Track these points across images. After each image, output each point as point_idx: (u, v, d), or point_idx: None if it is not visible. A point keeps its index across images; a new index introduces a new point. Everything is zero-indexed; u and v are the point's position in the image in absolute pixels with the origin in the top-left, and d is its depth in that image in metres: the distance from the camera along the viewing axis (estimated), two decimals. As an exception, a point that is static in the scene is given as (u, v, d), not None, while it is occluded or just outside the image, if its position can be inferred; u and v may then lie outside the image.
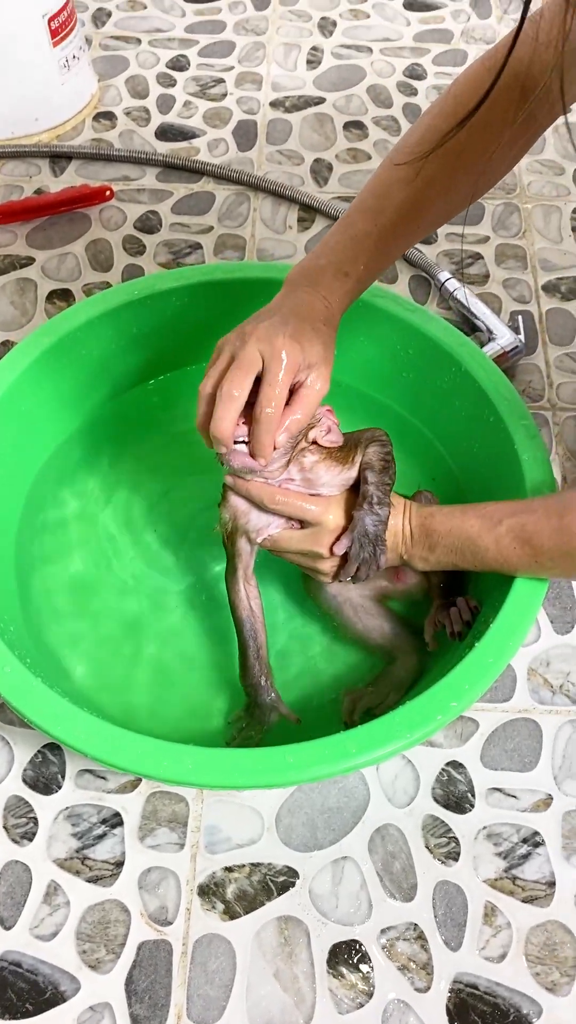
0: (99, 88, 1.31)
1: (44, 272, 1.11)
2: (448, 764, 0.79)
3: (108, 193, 1.16)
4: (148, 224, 1.16)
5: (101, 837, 0.75)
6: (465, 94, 0.69)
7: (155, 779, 0.62)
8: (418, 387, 0.88)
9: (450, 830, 0.75)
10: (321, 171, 1.22)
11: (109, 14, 1.43)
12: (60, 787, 0.77)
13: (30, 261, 1.12)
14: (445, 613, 0.76)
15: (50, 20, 1.16)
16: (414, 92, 1.32)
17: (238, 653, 0.76)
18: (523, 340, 1.03)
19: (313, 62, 1.36)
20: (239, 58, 1.36)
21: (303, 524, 0.72)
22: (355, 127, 1.28)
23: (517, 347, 1.02)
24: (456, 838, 0.75)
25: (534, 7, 0.58)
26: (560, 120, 1.17)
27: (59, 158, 1.23)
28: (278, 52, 1.38)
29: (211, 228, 1.15)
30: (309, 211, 1.17)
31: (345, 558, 0.71)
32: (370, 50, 1.38)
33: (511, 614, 0.67)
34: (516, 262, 1.13)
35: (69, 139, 1.25)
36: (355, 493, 0.71)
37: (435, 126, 0.68)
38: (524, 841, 0.75)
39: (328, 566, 0.73)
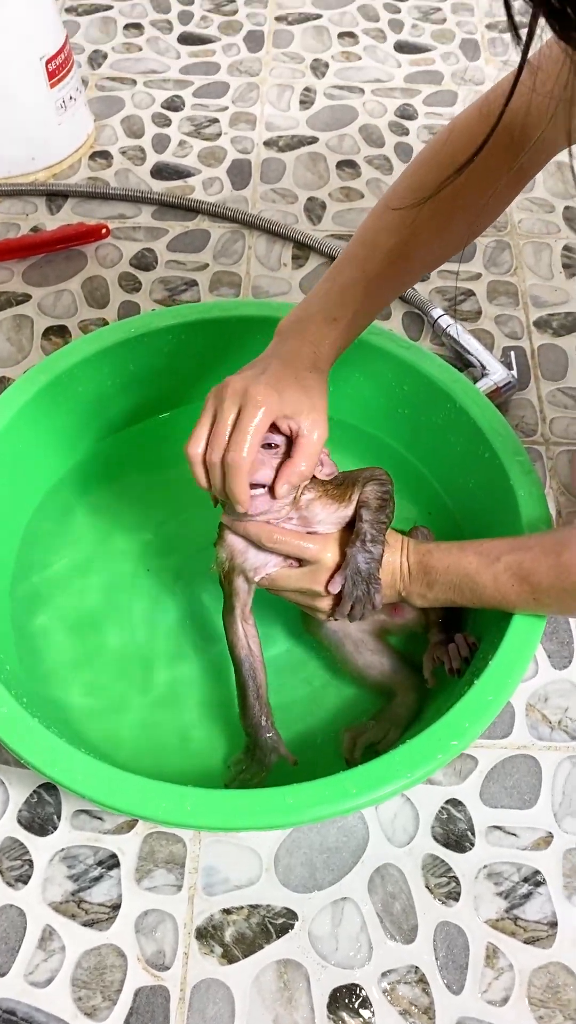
0: (95, 128, 1.32)
1: (40, 309, 1.11)
2: (447, 802, 0.78)
3: (104, 231, 1.17)
4: (144, 261, 1.17)
5: (97, 879, 0.74)
6: (459, 142, 0.70)
7: (154, 821, 0.62)
8: (414, 423, 0.88)
9: (450, 869, 0.75)
10: (315, 209, 1.24)
11: (105, 56, 1.45)
12: (56, 828, 0.76)
13: (26, 298, 1.13)
14: (443, 649, 0.76)
15: (47, 62, 1.17)
16: (405, 132, 1.34)
17: (237, 693, 0.75)
18: (516, 375, 1.04)
19: (306, 102, 1.38)
20: (233, 98, 1.39)
21: (301, 562, 0.72)
22: (348, 166, 1.30)
23: (510, 382, 1.03)
24: (456, 877, 0.74)
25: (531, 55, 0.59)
26: (553, 161, 1.20)
27: (55, 196, 1.24)
28: (271, 93, 1.40)
29: (206, 265, 1.16)
30: (303, 248, 1.19)
31: (340, 596, 0.71)
32: (362, 91, 1.41)
33: (510, 650, 0.67)
34: (508, 298, 1.14)
35: (65, 177, 1.27)
36: (352, 531, 0.71)
37: (427, 174, 0.69)
38: (525, 880, 0.74)
39: (326, 604, 0.73)
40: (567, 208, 1.24)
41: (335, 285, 0.72)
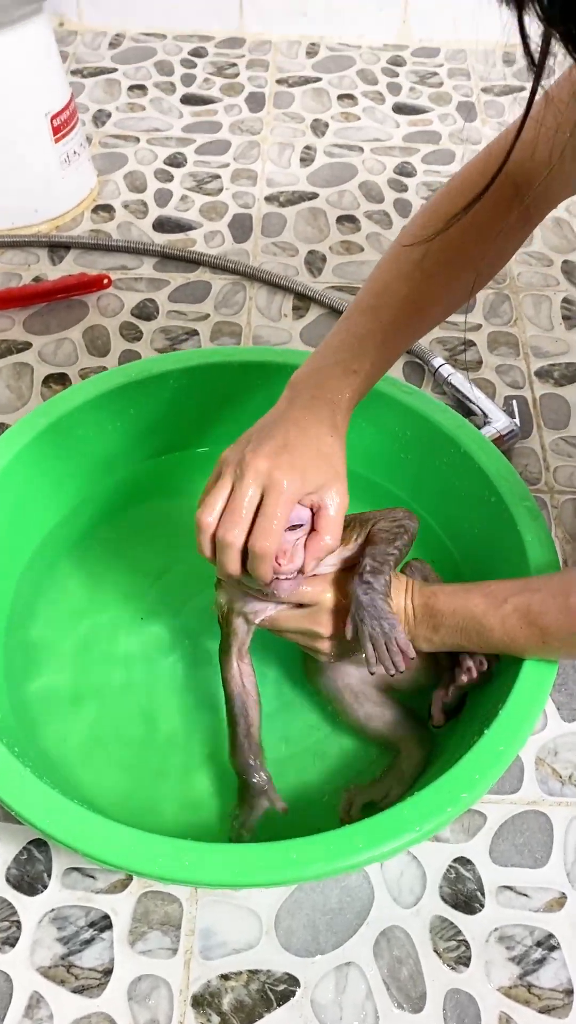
0: (98, 182, 1.34)
1: (41, 357, 1.11)
2: (456, 860, 0.75)
3: (106, 281, 1.17)
4: (145, 311, 1.17)
5: (88, 942, 0.70)
6: (465, 188, 0.70)
7: (150, 877, 0.59)
8: (417, 469, 0.87)
9: (460, 932, 0.71)
10: (315, 262, 1.25)
11: (109, 115, 1.48)
12: (46, 887, 0.73)
13: (27, 346, 1.12)
14: (456, 670, 0.73)
15: (52, 118, 1.19)
16: (405, 188, 1.36)
17: (228, 731, 0.73)
18: (519, 424, 1.03)
19: (306, 160, 1.41)
20: (234, 155, 1.41)
21: (301, 603, 0.70)
22: (348, 221, 1.31)
23: (513, 431, 1.02)
24: (466, 941, 0.71)
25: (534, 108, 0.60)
26: (551, 216, 1.21)
27: (58, 247, 1.25)
28: (272, 150, 1.42)
29: (207, 316, 1.17)
30: (304, 300, 1.19)
31: (354, 640, 0.68)
32: (361, 149, 1.43)
33: (521, 699, 0.65)
34: (508, 349, 1.14)
35: (68, 230, 1.28)
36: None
37: (437, 220, 0.69)
38: (538, 944, 0.71)
39: (327, 646, 0.71)
40: (565, 262, 1.26)
41: (350, 336, 0.71)
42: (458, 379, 1.07)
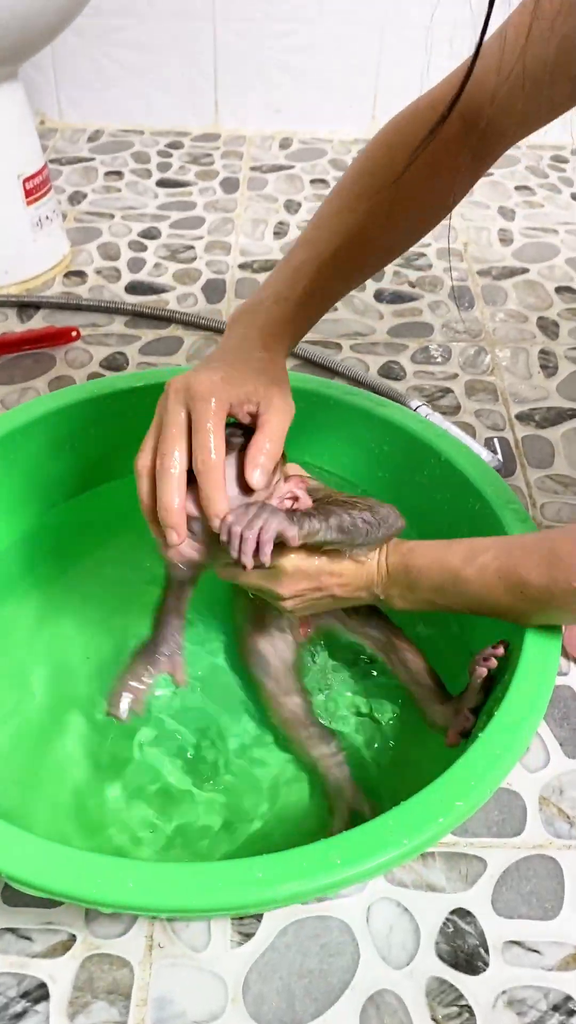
0: (71, 251, 1.34)
1: (4, 405, 1.07)
2: (453, 912, 0.65)
3: (74, 334, 1.15)
4: (115, 363, 1.14)
5: (20, 1016, 0.59)
6: (412, 125, 0.68)
7: (87, 903, 0.49)
8: (396, 487, 0.82)
9: (461, 996, 0.60)
10: (289, 319, 1.23)
11: (85, 195, 1.50)
12: (-28, 951, 0.62)
13: (-10, 395, 1.09)
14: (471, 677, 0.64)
15: (25, 181, 1.20)
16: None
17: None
18: (501, 460, 0.99)
19: (280, 233, 1.42)
20: (208, 230, 1.42)
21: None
22: (321, 284, 1.31)
23: (496, 467, 0.97)
24: (469, 1006, 0.60)
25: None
26: (519, 278, 1.21)
27: (27, 307, 1.23)
28: (246, 226, 1.44)
29: (179, 367, 1.14)
30: (277, 352, 1.16)
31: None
32: (334, 224, 1.45)
33: (520, 698, 0.57)
34: (487, 395, 1.11)
35: (38, 292, 1.26)
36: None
37: (381, 157, 0.68)
38: (555, 1009, 0.60)
39: (290, 605, 0.65)
40: (540, 318, 1.25)
41: (286, 266, 0.68)
42: (437, 419, 1.03)
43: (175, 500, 0.56)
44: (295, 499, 0.63)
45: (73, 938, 0.63)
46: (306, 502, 0.62)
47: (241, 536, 0.55)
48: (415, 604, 0.63)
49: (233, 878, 0.49)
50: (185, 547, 0.58)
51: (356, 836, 0.51)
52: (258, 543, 0.55)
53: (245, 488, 0.58)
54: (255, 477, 0.58)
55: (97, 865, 0.49)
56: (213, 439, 0.56)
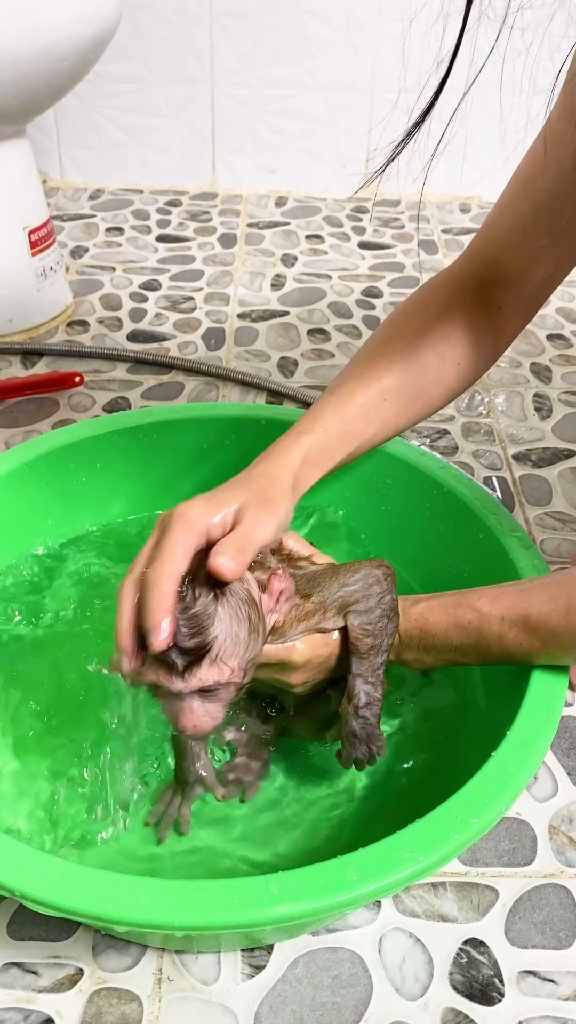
0: (74, 302, 1.37)
1: (7, 447, 1.08)
2: (466, 943, 0.64)
3: (78, 379, 1.17)
4: (117, 407, 1.16)
5: (26, 1052, 0.57)
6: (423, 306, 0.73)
7: (102, 922, 0.48)
8: (399, 521, 0.83)
9: (477, 1027, 0.59)
10: (287, 366, 1.26)
11: (87, 250, 1.54)
12: (-23, 986, 0.60)
13: (-7, 438, 1.10)
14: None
15: (30, 232, 1.23)
16: (372, 307, 1.41)
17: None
18: (500, 498, 1.00)
19: (277, 285, 1.46)
20: (207, 282, 1.46)
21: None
22: (318, 333, 1.34)
23: (495, 504, 0.98)
24: (486, 1038, 0.59)
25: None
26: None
27: (31, 354, 1.25)
28: (244, 278, 1.47)
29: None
30: (277, 396, 1.19)
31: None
32: (329, 276, 1.49)
33: (532, 715, 0.58)
34: (484, 436, 1.13)
35: (42, 340, 1.29)
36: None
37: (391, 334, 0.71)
38: (572, 1039, 0.59)
39: (299, 690, 0.64)
40: (533, 363, 1.27)
41: (308, 411, 0.68)
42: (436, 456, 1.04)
43: (123, 620, 0.53)
44: (278, 598, 0.59)
45: (80, 972, 0.61)
46: (288, 606, 0.60)
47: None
48: (432, 666, 0.64)
49: (248, 894, 0.48)
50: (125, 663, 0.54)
51: (371, 853, 0.51)
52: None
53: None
54: (219, 561, 0.53)
55: (110, 882, 0.49)
56: (165, 556, 0.53)
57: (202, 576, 0.53)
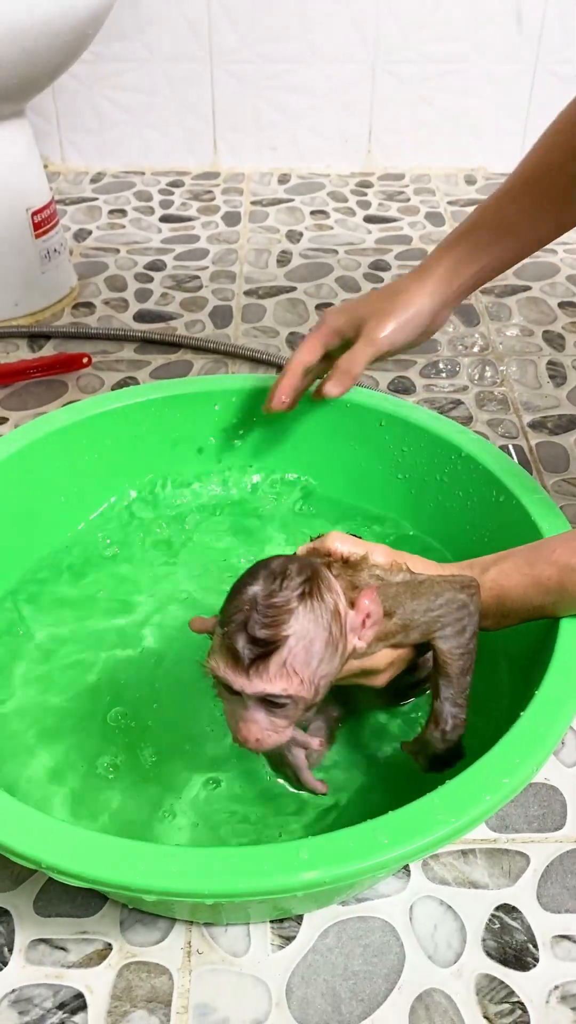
0: (79, 284, 1.36)
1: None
2: (498, 908, 0.63)
3: (86, 360, 1.16)
4: (126, 387, 1.14)
5: (57, 1027, 0.57)
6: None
7: (130, 891, 0.47)
8: (416, 489, 0.81)
9: (513, 992, 0.58)
10: (296, 341, 1.24)
11: (90, 232, 1.53)
12: (6, 963, 0.60)
13: (3, 420, 1.09)
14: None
15: (33, 214, 1.22)
16: (380, 280, 1.39)
17: None
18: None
19: (283, 261, 1.44)
20: (213, 260, 1.44)
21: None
22: (327, 307, 1.32)
23: (512, 471, 0.97)
24: (522, 1003, 0.58)
25: None
26: (523, 295, 1.24)
27: (37, 338, 1.24)
28: (250, 255, 1.46)
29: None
30: (287, 371, 1.17)
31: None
32: (336, 251, 1.47)
33: (558, 678, 0.56)
34: (498, 405, 1.12)
35: (47, 324, 1.28)
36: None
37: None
38: (610, 1002, 0.58)
39: (384, 682, 0.62)
40: (546, 331, 1.26)
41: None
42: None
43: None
44: (364, 621, 0.56)
45: (109, 947, 0.61)
46: (373, 631, 0.57)
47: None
48: (506, 625, 0.62)
49: (278, 860, 0.47)
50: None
51: (402, 816, 0.50)
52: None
53: None
54: (326, 388, 0.77)
55: (138, 851, 0.48)
56: (298, 350, 0.77)
57: (293, 569, 0.53)
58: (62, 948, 0.61)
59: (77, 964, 0.60)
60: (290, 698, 0.52)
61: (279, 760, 0.60)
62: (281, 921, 0.62)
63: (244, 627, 0.51)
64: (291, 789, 0.64)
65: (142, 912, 0.62)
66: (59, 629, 0.77)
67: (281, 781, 0.65)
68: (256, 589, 0.52)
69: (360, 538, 0.62)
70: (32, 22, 1.02)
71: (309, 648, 0.52)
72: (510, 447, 1.03)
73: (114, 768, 0.67)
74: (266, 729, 0.53)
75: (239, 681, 0.51)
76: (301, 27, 1.60)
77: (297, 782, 0.60)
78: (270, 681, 0.51)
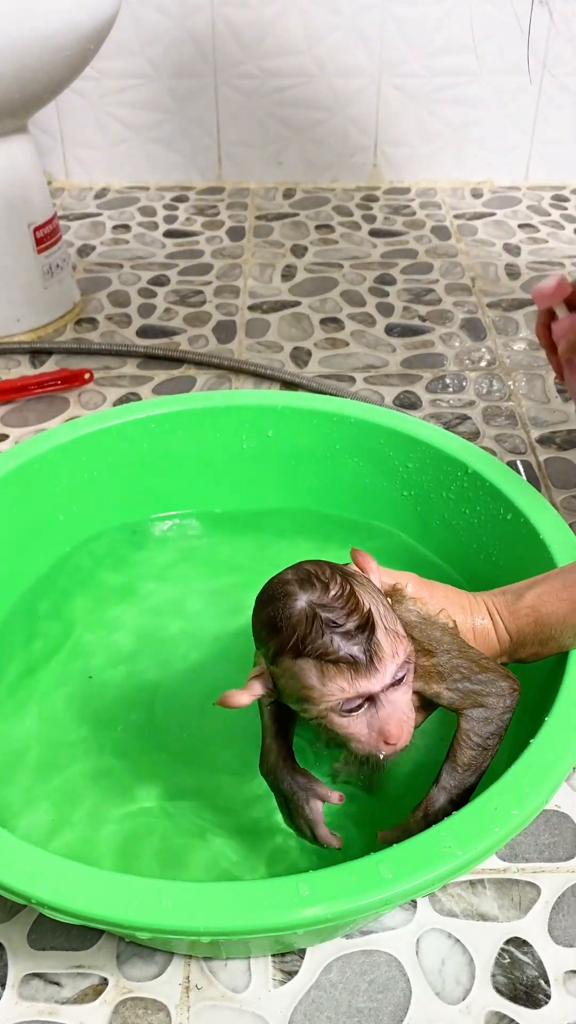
0: (82, 299, 1.35)
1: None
2: (508, 942, 0.60)
3: (87, 376, 1.15)
4: (128, 402, 1.13)
5: (50, 1067, 0.55)
6: None
7: (123, 927, 0.45)
8: (422, 506, 0.80)
9: (524, 1032, 0.56)
10: (301, 356, 1.23)
11: (94, 247, 1.52)
12: (-2, 999, 0.58)
13: (3, 437, 1.08)
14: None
15: (36, 229, 1.21)
16: (386, 294, 1.38)
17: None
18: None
19: (287, 276, 1.43)
20: (217, 275, 1.43)
21: None
22: (332, 322, 1.31)
23: (520, 487, 0.95)
24: (533, 1042, 0.56)
25: None
26: (530, 309, 1.23)
27: (39, 353, 1.23)
28: (254, 270, 1.45)
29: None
30: (291, 386, 1.16)
31: None
32: (341, 266, 1.46)
33: (571, 699, 0.54)
34: (505, 420, 1.10)
35: (49, 340, 1.27)
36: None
37: None
38: (625, 1042, 0.56)
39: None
40: (554, 345, 1.24)
41: None
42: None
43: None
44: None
45: (105, 982, 0.59)
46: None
47: None
48: (544, 655, 0.59)
49: (277, 896, 0.45)
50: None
51: (407, 849, 0.48)
52: None
53: None
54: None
55: (130, 886, 0.46)
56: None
57: (304, 570, 0.51)
58: (56, 983, 0.59)
59: (72, 1000, 0.58)
60: (407, 662, 0.50)
61: (295, 812, 0.57)
62: (283, 955, 0.60)
63: (334, 633, 0.48)
64: (305, 841, 0.60)
65: (139, 945, 0.60)
66: (55, 645, 0.75)
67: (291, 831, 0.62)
68: (302, 605, 0.49)
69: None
70: (34, 37, 1.01)
71: (385, 611, 0.51)
72: (518, 463, 1.01)
73: (110, 790, 0.65)
74: (408, 711, 0.51)
75: (373, 678, 0.49)
76: (306, 41, 1.60)
77: (312, 835, 0.57)
78: (392, 653, 0.49)
